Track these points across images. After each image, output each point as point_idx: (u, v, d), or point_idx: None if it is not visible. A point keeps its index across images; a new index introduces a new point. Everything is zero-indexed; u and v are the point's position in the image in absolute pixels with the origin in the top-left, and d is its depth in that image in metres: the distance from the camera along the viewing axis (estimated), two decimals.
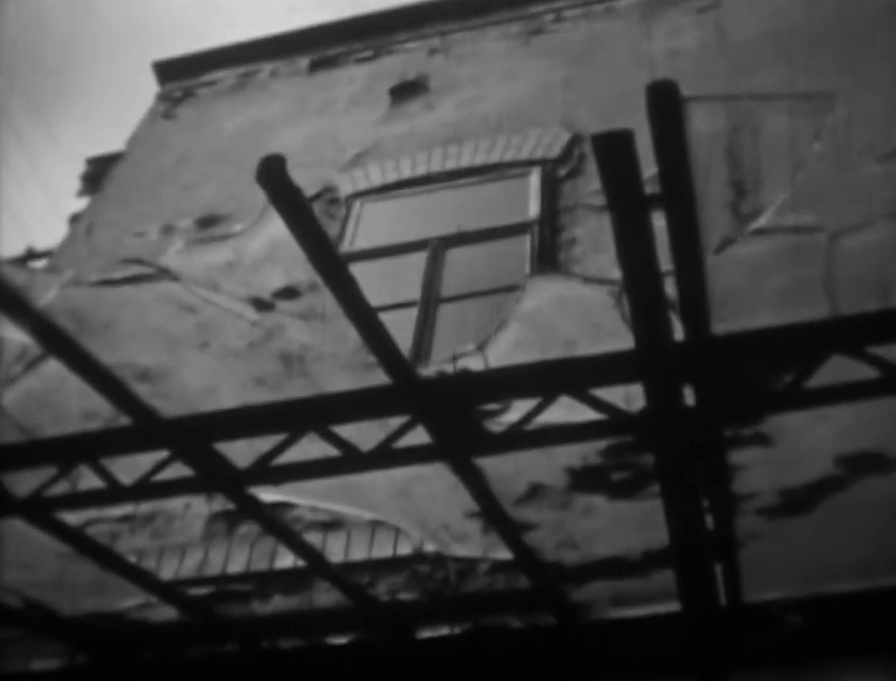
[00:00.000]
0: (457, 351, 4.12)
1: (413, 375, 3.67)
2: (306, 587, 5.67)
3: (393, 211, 8.38)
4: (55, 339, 3.60)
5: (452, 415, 3.74)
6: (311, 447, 3.94)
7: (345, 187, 8.60)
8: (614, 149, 2.78)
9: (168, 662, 5.67)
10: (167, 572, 5.98)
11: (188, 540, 6.22)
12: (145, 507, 6.32)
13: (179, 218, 8.84)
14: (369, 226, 8.23)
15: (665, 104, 2.66)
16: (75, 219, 9.99)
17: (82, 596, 5.51)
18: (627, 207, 2.94)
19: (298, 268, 3.66)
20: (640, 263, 3.05)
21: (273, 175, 3.03)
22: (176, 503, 6.24)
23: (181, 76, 11.61)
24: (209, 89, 11.23)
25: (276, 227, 3.53)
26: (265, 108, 10.43)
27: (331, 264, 3.29)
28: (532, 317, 4.03)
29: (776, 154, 4.06)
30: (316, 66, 10.86)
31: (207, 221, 8.69)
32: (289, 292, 3.82)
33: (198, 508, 6.28)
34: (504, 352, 3.99)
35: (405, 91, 9.70)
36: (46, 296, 3.84)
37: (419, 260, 7.65)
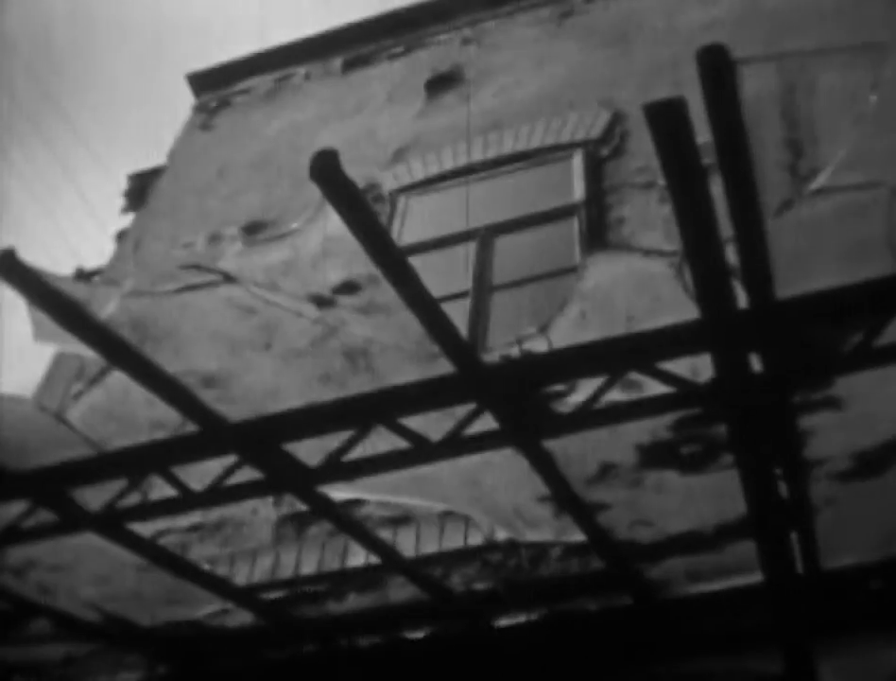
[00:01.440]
0: (520, 334, 4.09)
1: (478, 362, 3.65)
2: (380, 584, 5.67)
3: (438, 203, 8.36)
4: (119, 350, 3.61)
5: (519, 399, 3.72)
6: (379, 442, 3.93)
7: (388, 183, 8.61)
8: (668, 117, 2.74)
9: (248, 667, 5.68)
10: (240, 578, 6.00)
11: (258, 545, 6.24)
12: (213, 516, 6.35)
13: (224, 227, 8.88)
14: (415, 220, 8.23)
15: (717, 68, 2.62)
16: (121, 236, 10.06)
17: (159, 606, 5.53)
18: (684, 175, 2.90)
19: (356, 262, 3.63)
20: (700, 231, 3.02)
21: (327, 170, 3.02)
22: (243, 510, 6.26)
23: (216, 86, 11.65)
24: (244, 97, 11.27)
25: (332, 222, 3.51)
26: (301, 111, 10.45)
27: (390, 256, 3.27)
28: (593, 294, 3.99)
29: (832, 111, 4.00)
30: (349, 66, 10.87)
31: (253, 228, 8.73)
32: (349, 287, 3.81)
33: (265, 513, 6.30)
34: (566, 332, 3.95)
35: (441, 83, 9.69)
36: (106, 309, 3.85)
37: (468, 250, 7.64)
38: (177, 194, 10.15)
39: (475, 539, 5.55)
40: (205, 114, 11.32)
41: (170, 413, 3.99)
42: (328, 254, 3.70)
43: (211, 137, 10.92)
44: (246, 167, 9.93)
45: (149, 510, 4.29)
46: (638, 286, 4.00)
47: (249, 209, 9.09)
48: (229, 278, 3.76)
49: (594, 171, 7.78)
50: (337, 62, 11.00)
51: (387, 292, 3.61)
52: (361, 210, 3.17)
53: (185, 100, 11.79)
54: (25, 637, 5.63)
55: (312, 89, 10.84)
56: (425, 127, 9.19)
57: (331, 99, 10.44)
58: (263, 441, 3.89)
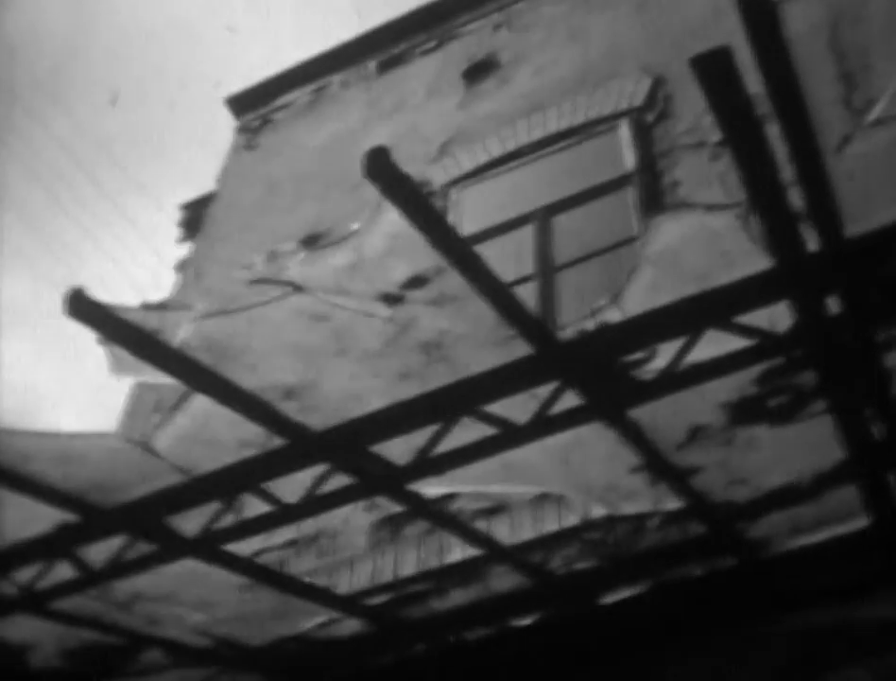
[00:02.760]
0: (593, 307, 4.06)
1: (556, 340, 3.63)
2: (481, 576, 5.66)
3: (490, 192, 8.34)
4: (197, 374, 3.62)
5: (600, 372, 3.69)
6: (465, 433, 3.91)
7: (438, 178, 8.59)
8: (716, 67, 2.70)
9: (360, 674, 5.69)
10: (342, 587, 6.01)
11: (355, 553, 6.25)
12: (307, 529, 6.36)
13: (281, 243, 8.91)
14: (469, 211, 8.21)
15: (759, 11, 2.58)
16: (181, 266, 10.12)
17: (266, 624, 5.56)
18: (739, 123, 2.86)
19: (420, 256, 3.62)
20: (762, 178, 2.98)
21: (381, 167, 3.01)
22: (336, 519, 6.27)
23: (255, 105, 11.69)
24: (284, 112, 11.30)
25: (392, 219, 3.50)
26: (343, 118, 10.46)
27: (454, 245, 3.26)
28: (661, 258, 3.95)
29: (883, 39, 3.94)
30: (384, 67, 10.86)
31: (310, 241, 8.76)
32: (416, 281, 3.80)
33: (358, 520, 6.31)
34: (639, 299, 3.91)
35: (478, 71, 9.66)
36: (179, 335, 3.87)
37: (526, 234, 7.62)
38: (230, 217, 10.20)
39: (571, 519, 5.51)
40: (248, 134, 11.36)
41: (255, 430, 4.01)
42: (391, 252, 3.69)
43: (257, 156, 10.96)
44: (295, 182, 9.96)
45: (246, 528, 4.30)
46: (705, 243, 3.95)
47: (304, 222, 9.12)
48: (296, 288, 3.77)
49: (642, 138, 7.71)
50: (372, 65, 10.99)
51: (455, 282, 3.60)
52: (420, 203, 3.16)
53: (216, 117, 11.80)
54: (139, 670, 5.68)
55: (350, 95, 10.84)
56: (468, 117, 9.17)
57: (370, 103, 10.44)
58: (350, 446, 3.89)
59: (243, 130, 11.54)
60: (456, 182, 8.53)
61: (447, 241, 3.25)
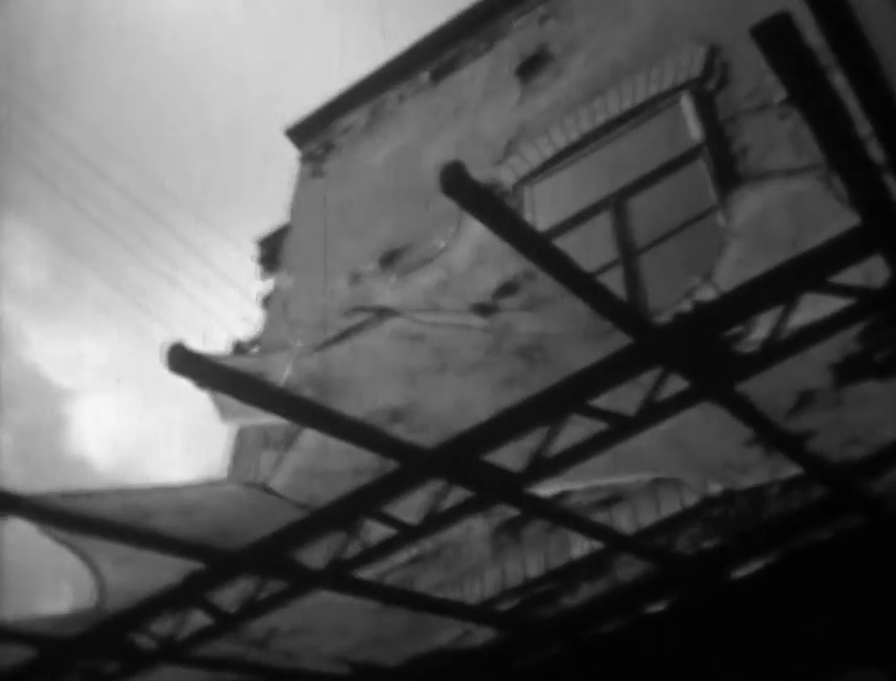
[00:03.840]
0: (686, 287, 4.04)
1: (653, 327, 3.63)
2: (608, 568, 5.65)
3: (561, 183, 8.34)
4: (306, 411, 3.66)
5: (702, 352, 3.67)
6: (575, 430, 3.92)
7: (507, 178, 8.60)
8: (778, 36, 2.68)
9: (499, 679, 5.70)
10: (472, 596, 6.04)
11: (480, 560, 6.27)
12: (430, 545, 6.39)
13: (362, 264, 8.98)
14: (543, 206, 8.21)
15: None
16: (266, 301, 10.23)
17: (402, 643, 5.60)
18: (808, 88, 2.84)
19: (508, 263, 3.64)
20: (839, 138, 2.96)
21: (457, 182, 3.01)
22: (457, 531, 6.29)
23: (315, 133, 11.78)
24: (345, 135, 11.37)
25: (475, 231, 3.52)
26: (404, 132, 10.51)
27: (539, 248, 3.27)
28: (747, 230, 3.92)
29: None
30: (438, 76, 10.89)
31: (389, 258, 8.82)
32: (507, 289, 3.80)
33: (479, 528, 6.33)
34: (731, 273, 3.89)
35: (531, 66, 9.66)
36: (284, 375, 3.91)
37: (603, 221, 7.60)
38: (307, 246, 10.28)
39: (691, 499, 5.49)
40: (312, 162, 11.45)
41: (368, 457, 4.04)
42: (479, 263, 3.70)
43: (324, 183, 11.04)
44: (366, 202, 10.03)
45: (372, 554, 4.34)
46: (790, 208, 3.92)
47: (381, 240, 9.17)
48: (391, 313, 3.79)
49: (705, 108, 7.66)
50: (425, 76, 11.02)
51: (545, 283, 3.61)
52: (500, 212, 3.17)
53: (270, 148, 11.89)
54: None
55: (408, 108, 10.89)
56: (528, 113, 9.17)
57: (429, 113, 10.48)
58: (464, 458, 3.91)
59: (307, 158, 11.63)
60: (525, 179, 8.54)
61: (532, 245, 3.26)
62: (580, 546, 5.76)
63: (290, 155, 11.93)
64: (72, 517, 4.04)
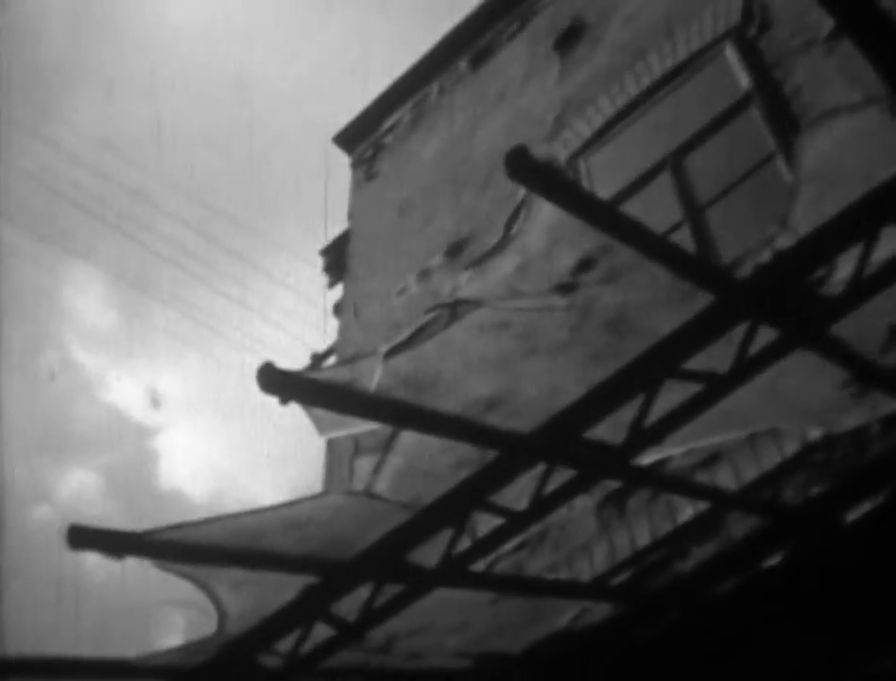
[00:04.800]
0: (764, 236, 4.01)
1: (736, 282, 3.60)
2: (717, 527, 5.61)
3: (616, 151, 8.29)
4: (401, 413, 3.68)
5: (788, 300, 3.64)
6: (671, 396, 3.90)
7: (561, 154, 8.57)
8: None
9: (622, 656, 5.68)
10: (584, 574, 6.02)
11: (587, 537, 6.25)
12: (534, 528, 6.38)
13: (428, 260, 8.98)
14: (601, 177, 8.17)
15: None
16: (338, 309, 10.28)
17: (521, 630, 5.59)
18: (860, 11, 2.80)
19: (582, 238, 3.62)
20: None
21: (523, 166, 3.01)
22: (561, 511, 6.26)
23: (363, 136, 11.81)
24: (393, 134, 11.39)
25: (546, 211, 3.51)
26: (451, 123, 10.50)
27: (612, 219, 3.26)
28: (817, 172, 3.88)
29: None
30: (476, 62, 10.87)
31: (455, 250, 8.81)
32: (585, 264, 3.79)
33: (582, 504, 6.31)
34: (807, 217, 3.84)
35: (568, 39, 9.60)
36: (374, 380, 3.93)
37: (663, 182, 7.55)
38: (371, 249, 10.32)
39: (791, 448, 5.43)
40: (364, 166, 11.48)
41: (467, 449, 4.05)
42: (554, 243, 3.69)
43: (378, 184, 11.07)
44: (422, 197, 10.03)
45: (486, 545, 4.34)
46: (858, 143, 3.87)
47: (444, 233, 9.18)
48: (473, 304, 3.80)
49: (750, 55, 7.58)
50: (463, 64, 11.01)
51: (621, 254, 3.60)
52: (569, 189, 3.17)
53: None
54: None
55: (451, 99, 10.88)
56: (572, 86, 9.13)
57: (473, 100, 10.46)
58: (564, 439, 3.90)
59: (358, 162, 11.66)
60: (579, 152, 8.50)
61: (604, 217, 3.25)
62: (686, 510, 5.73)
63: (340, 163, 11.99)
64: (185, 548, 4.09)
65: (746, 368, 3.77)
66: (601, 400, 3.82)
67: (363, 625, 4.67)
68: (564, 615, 5.63)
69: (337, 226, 11.51)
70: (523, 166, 3.00)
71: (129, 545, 3.89)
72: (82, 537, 3.84)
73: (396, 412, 3.68)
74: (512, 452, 3.94)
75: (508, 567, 6.29)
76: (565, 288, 3.82)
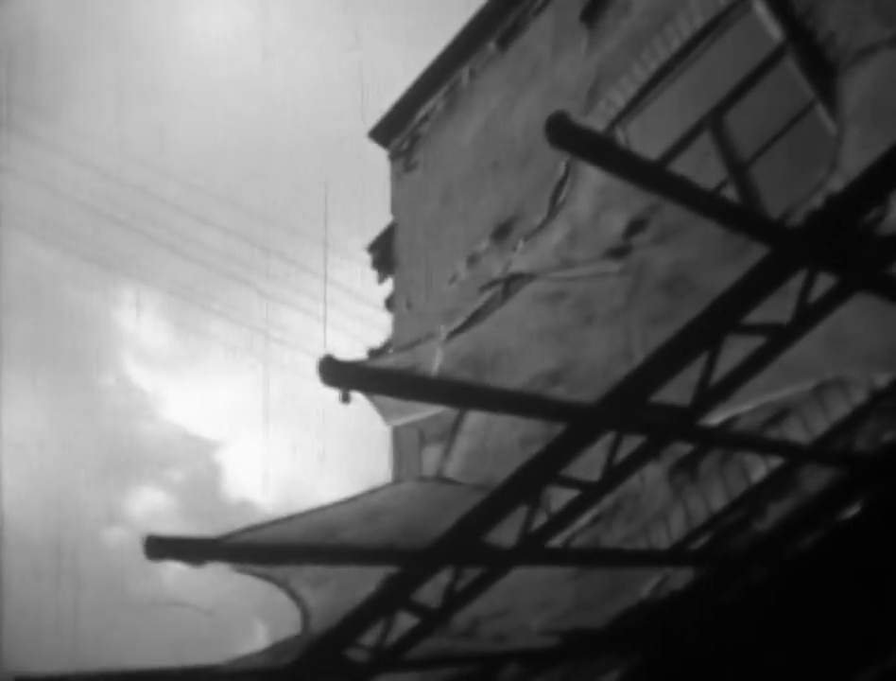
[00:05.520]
0: (815, 182, 3.95)
1: (790, 230, 3.56)
2: (792, 483, 5.55)
3: (653, 117, 8.23)
4: (466, 393, 3.66)
5: (844, 243, 3.59)
6: (732, 352, 3.86)
7: (598, 124, 8.49)
8: None
9: (710, 620, 5.64)
10: (662, 542, 5.99)
11: (662, 505, 6.22)
12: (607, 500, 6.35)
13: (475, 245, 8.96)
14: (640, 143, 8.11)
15: None
16: (390, 303, 10.30)
17: (604, 604, 5.57)
18: None
19: (631, 200, 3.59)
20: None
21: (565, 132, 2.99)
22: (632, 481, 6.23)
23: (398, 129, 11.79)
24: (428, 123, 11.36)
25: (591, 177, 3.49)
26: (485, 106, 10.47)
27: (659, 178, 3.23)
28: (861, 111, 3.82)
29: None
30: (504, 42, 10.81)
31: (501, 232, 8.79)
32: (636, 226, 3.76)
33: (653, 474, 6.27)
34: (855, 158, 3.79)
35: (594, 9, 9.52)
36: (435, 364, 3.92)
37: (705, 142, 7.49)
38: (417, 240, 10.31)
39: (859, 396, 5.37)
40: (402, 158, 11.46)
41: (534, 425, 4.03)
42: (603, 208, 3.66)
43: (418, 174, 11.05)
44: (464, 183, 10.01)
45: (562, 519, 4.31)
46: None
47: (488, 216, 9.15)
48: (527, 277, 3.78)
49: (780, 5, 7.49)
50: (492, 46, 10.95)
51: (671, 212, 3.57)
52: (613, 152, 3.14)
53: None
54: None
55: (482, 82, 10.84)
56: (603, 55, 9.06)
57: (505, 80, 10.42)
58: (631, 405, 3.87)
59: (395, 155, 11.65)
60: (616, 121, 8.44)
61: (651, 177, 3.21)
62: (759, 468, 5.68)
63: (374, 157, 11.98)
64: (262, 549, 4.10)
65: (807, 316, 3.73)
66: (664, 362, 3.78)
67: (446, 610, 4.66)
68: (646, 584, 5.60)
69: (377, 221, 11.53)
70: (564, 133, 2.98)
71: (206, 551, 3.91)
72: (160, 547, 3.86)
73: (460, 393, 3.66)
74: (580, 423, 3.91)
75: (585, 542, 6.26)
76: (618, 253, 3.79)
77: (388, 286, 10.66)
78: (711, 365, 3.82)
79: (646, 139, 8.12)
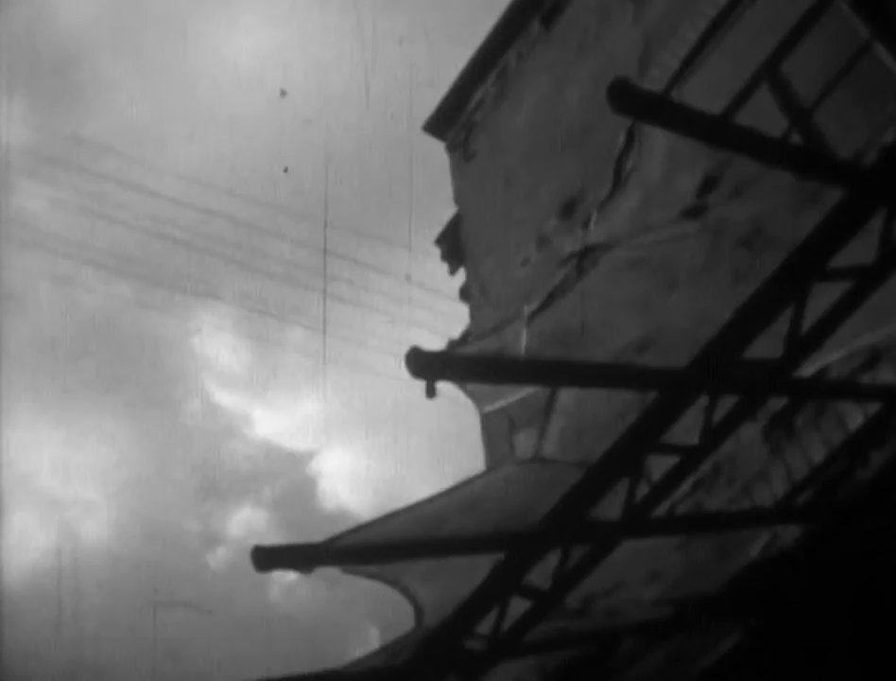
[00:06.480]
0: (886, 116, 3.89)
1: (864, 170, 3.50)
2: (892, 428, 5.47)
3: (708, 75, 8.13)
4: (555, 371, 3.64)
5: None
6: (820, 301, 3.81)
7: (655, 89, 8.43)
8: None
9: (822, 574, 5.58)
10: (766, 500, 5.93)
11: (761, 464, 6.16)
12: (704, 465, 6.30)
13: (544, 226, 8.92)
14: (699, 103, 7.96)
15: None
16: (464, 293, 10.30)
17: (714, 567, 5.53)
18: None
19: (700, 159, 3.57)
20: None
21: (628, 96, 2.96)
22: (727, 444, 6.18)
23: (451, 120, 11.75)
24: (481, 110, 11.32)
25: (657, 139, 3.46)
26: (536, 87, 10.42)
27: (727, 132, 3.20)
28: None
29: None
30: (548, 21, 10.73)
31: (567, 210, 8.74)
32: (708, 184, 3.73)
33: (748, 434, 6.20)
34: None
35: None
36: (521, 345, 3.90)
37: (763, 98, 7.40)
38: (484, 227, 10.29)
39: None
40: (460, 148, 11.44)
41: (627, 396, 4.01)
42: (673, 169, 3.64)
43: (478, 162, 11.03)
44: (524, 165, 9.97)
45: (665, 486, 4.28)
46: None
47: (553, 195, 9.10)
48: (605, 247, 3.75)
49: None
50: (536, 26, 10.88)
51: (742, 166, 3.52)
52: (678, 112, 3.12)
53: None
54: (623, 664, 5.74)
55: (531, 64, 10.78)
56: (650, 22, 8.96)
57: (553, 60, 10.35)
58: (722, 365, 3.83)
59: (453, 146, 11.62)
60: (671, 85, 8.35)
61: (719, 132, 3.18)
62: (856, 415, 5.59)
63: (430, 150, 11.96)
64: (369, 549, 4.11)
65: (892, 255, 3.67)
66: (751, 318, 3.74)
67: (558, 591, 4.64)
68: (754, 545, 5.55)
69: (440, 213, 11.52)
70: (627, 97, 2.95)
71: (315, 556, 3.92)
72: (268, 557, 3.88)
73: (550, 371, 3.64)
74: (673, 389, 3.88)
75: (688, 509, 6.22)
76: (694, 212, 3.75)
77: (461, 276, 10.65)
78: (799, 315, 3.77)
79: (704, 99, 8.01)
